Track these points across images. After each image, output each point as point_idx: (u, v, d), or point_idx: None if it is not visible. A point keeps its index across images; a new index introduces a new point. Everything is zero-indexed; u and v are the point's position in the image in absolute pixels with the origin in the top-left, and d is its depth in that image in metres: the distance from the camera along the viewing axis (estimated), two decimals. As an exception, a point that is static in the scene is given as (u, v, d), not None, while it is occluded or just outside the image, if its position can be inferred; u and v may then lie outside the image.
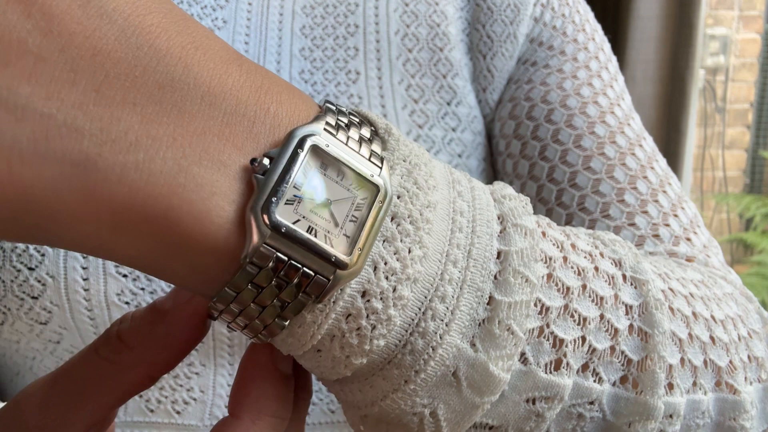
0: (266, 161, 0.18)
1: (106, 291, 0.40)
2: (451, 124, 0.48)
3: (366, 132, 0.21)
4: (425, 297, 0.21)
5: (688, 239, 0.40)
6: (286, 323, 0.20)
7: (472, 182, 0.24)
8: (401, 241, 0.20)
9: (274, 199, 0.18)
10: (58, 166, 0.16)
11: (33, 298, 0.40)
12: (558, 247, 0.24)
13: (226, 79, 0.19)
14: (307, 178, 0.19)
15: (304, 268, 0.19)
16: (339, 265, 0.19)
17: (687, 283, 0.29)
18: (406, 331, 0.20)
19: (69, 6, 0.17)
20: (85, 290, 0.40)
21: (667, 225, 0.40)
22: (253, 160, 0.18)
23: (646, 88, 1.47)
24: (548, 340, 0.22)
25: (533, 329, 0.22)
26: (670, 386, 0.25)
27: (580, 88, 0.47)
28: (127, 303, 0.41)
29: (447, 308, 0.21)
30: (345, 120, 0.21)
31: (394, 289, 0.20)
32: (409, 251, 0.20)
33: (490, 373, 0.21)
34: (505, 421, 0.22)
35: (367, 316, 0.20)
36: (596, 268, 0.25)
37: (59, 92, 0.16)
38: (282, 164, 0.19)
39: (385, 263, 0.20)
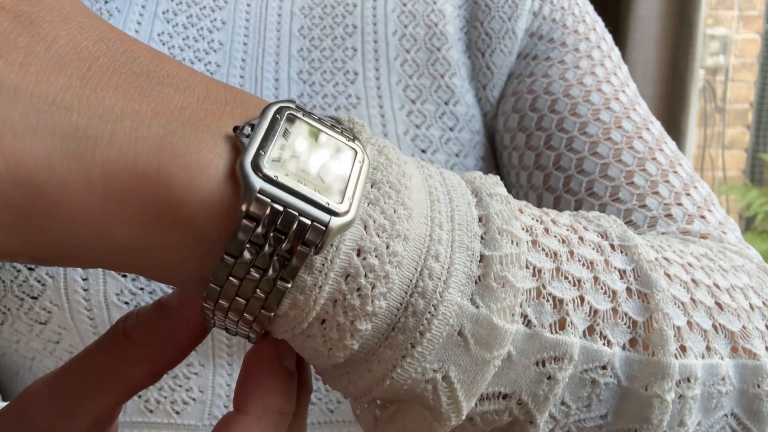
0: (248, 128, 0.19)
1: (106, 291, 0.40)
2: (449, 123, 0.48)
3: (336, 124, 0.22)
4: (419, 256, 0.21)
5: (703, 217, 0.39)
6: (289, 285, 0.20)
7: (439, 168, 0.25)
8: (385, 202, 0.21)
9: (262, 153, 0.19)
10: (50, 138, 0.17)
11: (32, 298, 0.41)
12: (537, 220, 0.25)
13: (194, 74, 0.20)
14: (288, 140, 0.20)
15: (301, 217, 0.19)
16: (333, 212, 0.19)
17: (685, 255, 0.29)
18: (406, 292, 0.21)
19: (53, 18, 0.19)
20: (85, 290, 0.40)
21: (680, 204, 0.40)
22: (235, 128, 0.19)
23: (646, 88, 1.47)
24: (548, 301, 0.22)
25: (530, 290, 0.22)
26: (683, 349, 0.24)
27: (583, 77, 0.46)
28: (126, 303, 0.41)
29: (442, 267, 0.21)
30: (310, 112, 0.22)
31: (387, 246, 0.20)
32: (395, 211, 0.21)
33: (495, 325, 0.21)
34: (517, 387, 0.22)
35: (365, 275, 0.20)
36: (581, 238, 0.25)
37: (48, 77, 0.17)
38: (264, 127, 0.19)
39: (374, 221, 0.20)
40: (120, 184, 0.18)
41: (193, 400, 0.43)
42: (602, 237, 0.26)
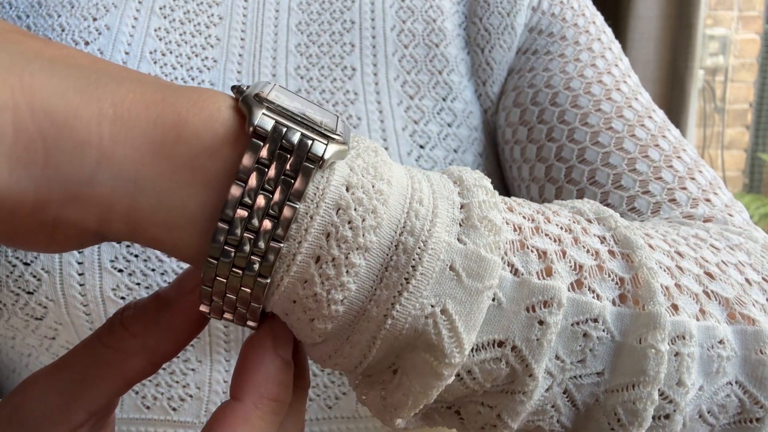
0: (244, 87, 0.21)
1: (102, 286, 0.40)
2: (447, 119, 0.48)
3: None
4: (404, 199, 0.22)
5: (708, 200, 0.39)
6: (299, 205, 0.21)
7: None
8: (366, 156, 0.22)
9: (262, 92, 0.21)
10: (65, 78, 0.19)
11: (28, 293, 0.40)
12: (510, 201, 0.26)
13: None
14: (281, 97, 0.21)
15: (303, 137, 0.20)
16: (329, 136, 0.21)
17: (669, 234, 0.29)
18: (395, 231, 0.21)
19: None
20: (81, 285, 0.40)
21: (684, 188, 0.40)
22: (233, 87, 0.21)
23: (646, 89, 1.46)
24: (532, 251, 0.23)
25: (514, 241, 0.23)
26: (674, 307, 0.25)
27: (583, 69, 0.46)
28: (122, 298, 0.41)
29: (427, 210, 0.22)
30: None
31: (373, 185, 0.21)
32: (375, 162, 0.22)
33: (484, 257, 0.22)
34: (510, 333, 0.23)
35: (355, 208, 0.21)
36: (555, 212, 0.26)
37: (62, 55, 0.20)
38: (259, 85, 0.22)
39: (358, 166, 0.22)
40: (128, 110, 0.19)
41: (190, 396, 0.43)
42: (577, 213, 0.27)
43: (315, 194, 0.21)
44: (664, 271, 0.26)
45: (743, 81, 2.53)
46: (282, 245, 0.21)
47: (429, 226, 0.22)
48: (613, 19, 1.44)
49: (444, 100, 0.48)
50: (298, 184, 0.20)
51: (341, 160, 0.22)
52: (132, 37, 0.45)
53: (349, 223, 0.21)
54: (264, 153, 0.20)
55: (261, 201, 0.20)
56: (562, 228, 0.25)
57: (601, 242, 0.25)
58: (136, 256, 0.41)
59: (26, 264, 0.40)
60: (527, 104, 0.47)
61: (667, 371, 0.24)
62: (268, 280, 0.21)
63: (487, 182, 0.24)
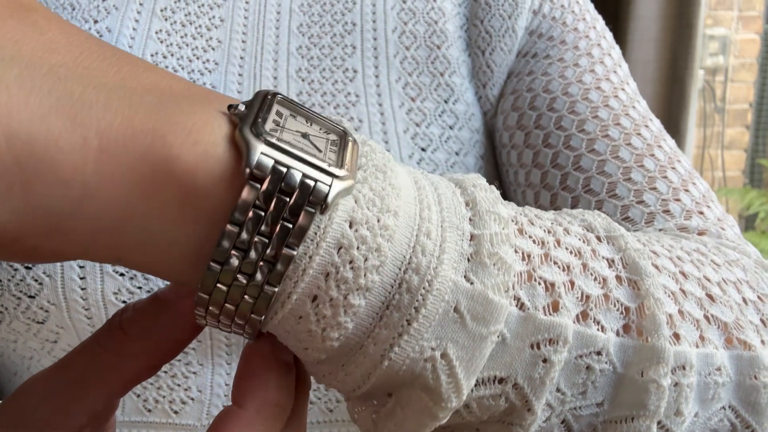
0: (241, 107, 0.19)
1: (103, 290, 0.40)
2: (449, 121, 0.48)
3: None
4: (410, 233, 0.21)
5: (701, 213, 0.39)
6: (297, 251, 0.19)
7: (419, 170, 0.25)
8: (373, 181, 0.21)
9: (260, 121, 0.19)
10: (46, 98, 0.17)
11: (30, 297, 0.40)
12: (520, 214, 0.25)
13: (178, 80, 0.21)
14: (281, 118, 0.20)
15: (305, 179, 0.19)
16: (334, 174, 0.19)
17: (674, 249, 0.29)
18: (399, 268, 0.20)
19: (46, 14, 0.20)
20: (82, 289, 0.40)
21: (678, 200, 0.40)
22: (229, 107, 0.19)
23: (646, 89, 1.47)
24: (539, 283, 0.22)
25: (522, 272, 0.22)
26: (676, 336, 0.24)
27: (582, 75, 0.46)
28: (124, 302, 0.40)
29: (435, 244, 0.21)
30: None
31: (378, 219, 0.20)
32: (383, 189, 0.21)
33: (491, 300, 0.21)
34: (513, 371, 0.22)
35: (358, 247, 0.20)
36: (566, 230, 0.25)
37: (41, 56, 0.18)
38: (258, 103, 0.20)
39: (364, 196, 0.20)
40: (115, 141, 0.17)
41: (192, 399, 0.43)
42: (587, 230, 0.26)
43: (316, 233, 0.19)
44: (669, 296, 0.25)
45: (743, 81, 2.53)
46: (276, 289, 0.20)
47: (435, 263, 0.21)
48: (614, 19, 1.44)
49: (446, 102, 0.48)
50: (297, 228, 0.19)
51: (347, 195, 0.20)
52: (133, 39, 0.45)
53: (351, 263, 0.20)
54: (261, 196, 0.19)
55: (257, 245, 0.19)
56: (572, 252, 0.24)
57: (609, 266, 0.24)
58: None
59: (28, 268, 0.40)
60: (525, 108, 0.47)
61: (667, 402, 0.24)
62: (262, 318, 0.20)
63: (501, 208, 0.23)
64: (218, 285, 0.20)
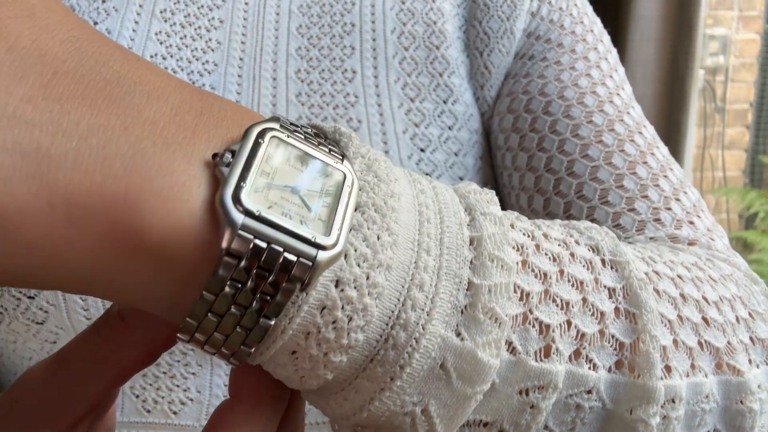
0: (228, 155, 0.18)
1: (102, 291, 0.40)
2: (448, 122, 0.48)
3: (320, 138, 0.22)
4: (402, 286, 0.20)
5: (691, 223, 0.39)
6: (272, 322, 0.19)
7: (432, 182, 0.24)
8: (368, 228, 0.20)
9: (243, 184, 0.18)
10: (8, 156, 0.16)
11: (29, 297, 0.40)
12: (529, 236, 0.24)
13: (168, 82, 0.19)
14: (272, 166, 0.19)
15: (285, 253, 0.18)
16: (320, 245, 0.18)
17: (676, 266, 0.29)
18: (386, 324, 0.20)
19: (16, 13, 0.17)
20: (81, 290, 0.40)
21: (669, 209, 0.40)
22: (214, 155, 0.18)
23: (646, 89, 1.47)
24: (534, 326, 0.22)
25: (517, 315, 0.22)
26: (668, 369, 0.24)
27: (578, 79, 0.46)
28: (123, 303, 0.41)
29: (426, 297, 0.20)
30: (295, 126, 0.21)
31: (368, 276, 0.19)
32: (378, 238, 0.20)
33: (479, 360, 0.20)
34: (499, 416, 0.22)
35: (342, 307, 0.19)
36: (572, 254, 0.24)
37: (7, 87, 0.16)
38: (246, 153, 0.18)
39: (356, 250, 0.19)
40: (84, 208, 0.16)
41: (191, 400, 0.43)
42: (593, 251, 0.25)
43: (298, 296, 0.19)
44: (666, 326, 0.25)
45: (743, 81, 2.53)
46: (251, 351, 0.19)
47: (425, 320, 0.20)
48: (614, 19, 1.44)
49: (445, 102, 0.48)
50: (275, 305, 0.18)
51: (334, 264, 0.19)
52: (133, 41, 0.45)
53: (334, 323, 0.19)
54: (238, 273, 0.18)
55: (232, 314, 0.18)
56: (573, 285, 0.23)
57: (610, 297, 0.24)
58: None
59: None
60: (520, 111, 0.47)
61: None
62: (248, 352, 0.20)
63: (507, 250, 0.21)
64: (196, 335, 0.19)
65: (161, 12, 0.46)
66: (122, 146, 0.17)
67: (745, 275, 0.33)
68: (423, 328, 0.20)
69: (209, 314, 0.18)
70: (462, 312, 0.20)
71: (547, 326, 0.22)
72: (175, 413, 0.43)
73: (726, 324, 0.27)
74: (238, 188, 0.17)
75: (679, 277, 0.28)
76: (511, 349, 0.22)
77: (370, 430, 0.22)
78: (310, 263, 0.18)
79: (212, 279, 0.18)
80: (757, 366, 0.27)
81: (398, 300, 0.20)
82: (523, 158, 0.46)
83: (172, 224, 0.17)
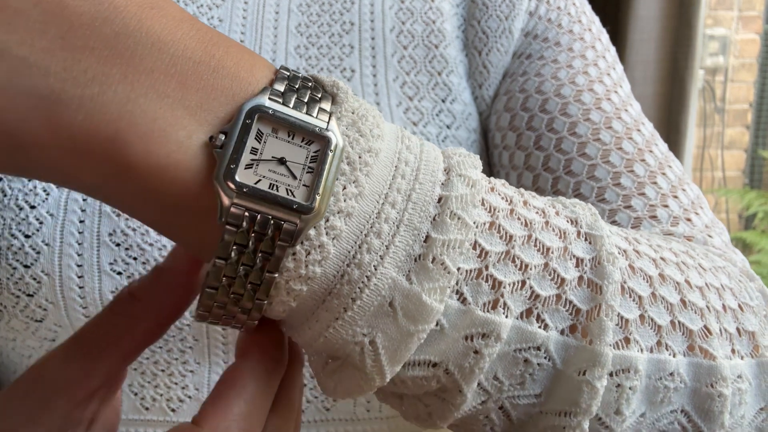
0: (222, 137, 0.21)
1: (101, 289, 0.40)
2: (446, 121, 0.48)
3: (317, 93, 0.24)
4: (360, 231, 0.23)
5: (689, 219, 0.40)
6: (276, 275, 0.22)
7: (424, 142, 0.26)
8: (338, 182, 0.23)
9: (233, 166, 0.21)
10: (29, 99, 0.19)
11: (28, 295, 0.41)
12: (506, 200, 0.26)
13: (175, 31, 0.22)
14: (261, 143, 0.22)
15: (273, 220, 0.21)
16: (302, 210, 0.22)
17: (662, 250, 0.29)
18: (343, 262, 0.22)
19: None
20: (80, 288, 0.40)
21: (666, 206, 0.40)
22: (211, 138, 0.21)
23: (646, 89, 1.47)
24: (487, 282, 0.24)
25: (471, 270, 0.24)
26: (626, 340, 0.25)
27: (575, 77, 0.46)
28: (121, 300, 0.41)
29: (382, 243, 0.23)
30: (297, 84, 0.23)
31: (327, 220, 0.22)
32: (344, 188, 0.23)
33: (423, 302, 0.23)
34: (445, 357, 0.24)
35: (302, 243, 0.22)
36: (547, 223, 0.26)
37: (32, 39, 0.19)
38: (235, 136, 0.21)
39: (328, 207, 0.22)
40: (83, 144, 0.20)
41: (189, 397, 0.43)
42: (571, 223, 0.27)
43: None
44: (634, 301, 0.26)
45: (743, 81, 2.53)
46: (264, 302, 0.23)
47: (377, 262, 0.23)
48: (613, 19, 1.44)
49: (443, 101, 0.48)
50: (274, 259, 0.22)
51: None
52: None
53: (294, 255, 0.22)
54: (240, 237, 0.22)
55: (240, 277, 0.22)
56: (540, 250, 0.25)
57: (577, 266, 0.25)
58: (135, 258, 0.41)
59: (26, 267, 0.40)
60: (517, 109, 0.47)
61: (606, 401, 0.25)
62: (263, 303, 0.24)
63: (471, 210, 0.24)
64: (215, 307, 0.23)
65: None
66: (118, 94, 0.20)
67: (741, 271, 0.33)
68: (375, 269, 0.23)
69: (223, 277, 0.22)
70: (416, 260, 0.23)
71: (500, 282, 0.24)
72: (173, 411, 0.43)
73: (707, 310, 0.28)
74: (229, 168, 0.21)
75: (663, 259, 0.29)
76: (462, 299, 0.24)
77: (334, 364, 0.25)
78: (295, 226, 0.22)
79: (220, 244, 0.21)
80: (741, 357, 0.28)
81: (356, 243, 0.23)
82: (520, 156, 0.46)
83: (151, 162, 0.20)
